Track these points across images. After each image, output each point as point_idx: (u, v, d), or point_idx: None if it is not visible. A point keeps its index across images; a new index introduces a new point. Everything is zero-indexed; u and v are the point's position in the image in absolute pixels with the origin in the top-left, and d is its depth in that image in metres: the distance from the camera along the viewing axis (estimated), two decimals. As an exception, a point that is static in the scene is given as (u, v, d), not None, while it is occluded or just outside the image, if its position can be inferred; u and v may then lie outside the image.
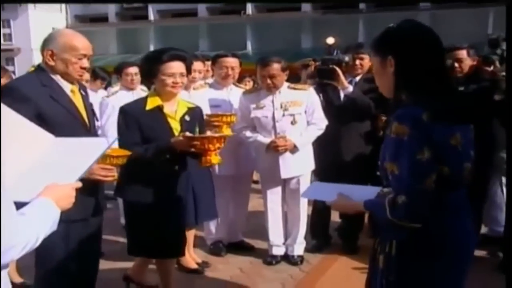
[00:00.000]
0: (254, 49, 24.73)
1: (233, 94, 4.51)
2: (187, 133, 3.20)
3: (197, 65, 4.29)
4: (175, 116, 3.35)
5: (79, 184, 1.78)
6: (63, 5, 28.28)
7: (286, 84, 4.29)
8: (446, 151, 1.83)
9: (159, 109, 3.31)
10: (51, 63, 2.71)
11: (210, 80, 4.84)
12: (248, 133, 4.31)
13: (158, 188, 3.30)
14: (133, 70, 5.23)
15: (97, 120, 3.13)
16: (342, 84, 4.34)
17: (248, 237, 4.93)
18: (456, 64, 4.24)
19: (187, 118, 3.39)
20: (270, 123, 4.24)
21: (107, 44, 26.76)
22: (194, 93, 4.38)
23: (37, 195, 1.60)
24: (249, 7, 25.59)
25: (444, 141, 1.82)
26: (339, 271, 4.29)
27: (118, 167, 2.85)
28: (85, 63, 2.77)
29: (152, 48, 26.35)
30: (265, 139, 4.23)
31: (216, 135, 3.34)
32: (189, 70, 3.41)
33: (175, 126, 3.33)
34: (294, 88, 4.32)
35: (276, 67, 4.13)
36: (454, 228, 1.90)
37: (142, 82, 3.54)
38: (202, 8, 26.43)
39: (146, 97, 3.40)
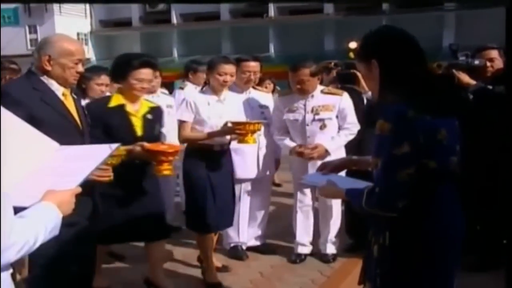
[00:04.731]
0: (277, 51, 24.71)
1: (252, 97, 4.53)
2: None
3: (228, 68, 4.03)
4: (137, 114, 3.58)
5: (79, 190, 1.79)
6: (88, 10, 28.61)
7: (320, 88, 4.33)
8: (432, 146, 1.91)
9: (122, 107, 3.53)
10: (48, 68, 2.74)
11: None
12: (277, 135, 4.43)
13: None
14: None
15: (89, 123, 3.14)
16: (363, 88, 4.32)
17: (269, 241, 4.91)
18: (488, 64, 4.21)
19: (149, 116, 3.63)
20: (301, 127, 4.31)
21: (130, 48, 26.93)
22: None
23: (39, 200, 1.61)
24: (272, 10, 25.57)
25: (430, 136, 1.90)
26: (361, 276, 4.22)
27: (114, 166, 2.91)
28: (80, 67, 2.82)
29: (175, 52, 26.57)
30: (291, 142, 4.32)
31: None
32: (155, 76, 3.72)
33: (137, 123, 3.55)
34: (328, 93, 4.33)
35: (305, 72, 4.17)
36: (442, 220, 1.98)
37: (112, 81, 3.72)
38: (224, 11, 26.49)
39: (111, 96, 3.64)
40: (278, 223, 5.42)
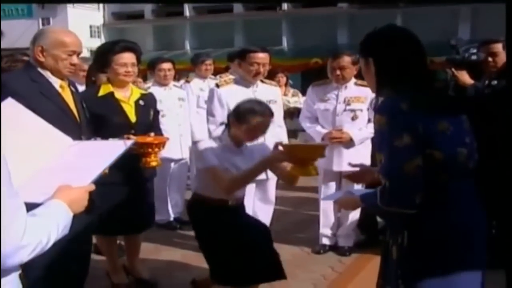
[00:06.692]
0: (290, 45, 24.60)
1: (260, 92, 4.17)
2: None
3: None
4: (128, 101, 3.60)
5: (92, 187, 1.74)
6: (101, 3, 28.71)
7: (354, 80, 4.37)
8: (434, 136, 1.90)
9: (111, 95, 3.54)
10: (41, 59, 2.72)
11: (233, 76, 4.70)
12: (308, 124, 4.48)
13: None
14: (167, 65, 5.24)
15: (87, 116, 3.08)
16: None
17: (278, 236, 4.86)
18: (490, 58, 4.08)
19: (141, 102, 3.65)
20: (331, 117, 4.35)
21: (143, 41, 27.02)
22: (219, 90, 4.18)
23: (50, 197, 1.57)
24: (285, 3, 25.44)
25: (430, 127, 1.90)
26: (373, 273, 4.16)
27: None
28: (75, 59, 2.78)
29: (188, 45, 26.57)
30: (323, 129, 4.37)
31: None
32: (139, 61, 3.65)
33: (129, 110, 3.57)
34: (361, 85, 4.32)
35: (346, 59, 4.24)
36: (460, 217, 1.95)
37: (97, 71, 3.69)
38: (237, 4, 26.40)
39: (99, 85, 3.63)
40: (287, 219, 5.39)
